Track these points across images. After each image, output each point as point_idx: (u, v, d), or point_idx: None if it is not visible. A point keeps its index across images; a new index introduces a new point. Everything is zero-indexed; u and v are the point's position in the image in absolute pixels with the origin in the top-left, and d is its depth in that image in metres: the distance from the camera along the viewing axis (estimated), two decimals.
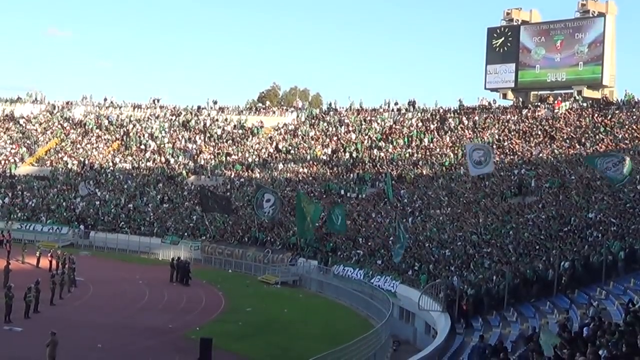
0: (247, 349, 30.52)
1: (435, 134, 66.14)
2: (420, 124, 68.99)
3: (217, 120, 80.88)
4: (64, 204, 66.42)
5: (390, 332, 33.40)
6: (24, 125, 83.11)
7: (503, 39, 67.72)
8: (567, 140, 55.99)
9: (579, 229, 36.38)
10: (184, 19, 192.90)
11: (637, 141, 50.56)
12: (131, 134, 79.82)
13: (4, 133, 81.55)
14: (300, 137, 73.67)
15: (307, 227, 49.95)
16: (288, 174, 66.94)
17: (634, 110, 57.01)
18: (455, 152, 61.13)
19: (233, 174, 69.72)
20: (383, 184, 56.71)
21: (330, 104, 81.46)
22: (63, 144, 79.54)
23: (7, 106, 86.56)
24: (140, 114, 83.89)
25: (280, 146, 72.79)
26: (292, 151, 71.35)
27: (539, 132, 59.43)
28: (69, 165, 75.07)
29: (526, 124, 61.82)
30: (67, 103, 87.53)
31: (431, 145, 64.36)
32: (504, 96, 68.55)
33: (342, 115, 75.68)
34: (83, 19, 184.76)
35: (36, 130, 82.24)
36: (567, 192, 44.12)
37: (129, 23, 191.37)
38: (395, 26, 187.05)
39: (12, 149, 79.06)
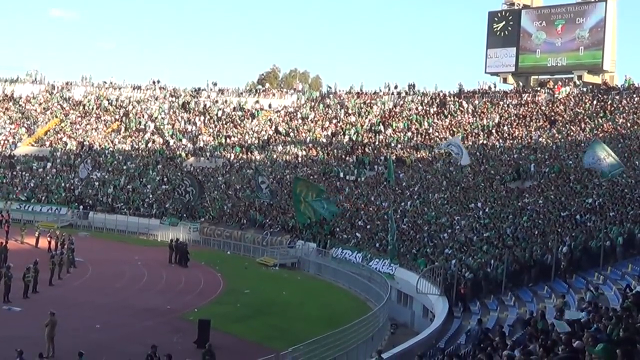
0: (245, 330, 30.62)
1: (435, 117, 66.08)
2: (420, 108, 68.90)
3: (216, 102, 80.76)
4: (63, 184, 66.40)
5: (388, 315, 33.47)
6: (23, 105, 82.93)
7: (504, 23, 67.56)
8: (567, 125, 55.94)
9: (578, 214, 36.40)
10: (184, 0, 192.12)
11: (636, 127, 50.51)
12: (131, 115, 79.68)
13: (3, 113, 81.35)
14: (299, 120, 73.58)
15: (305, 211, 49.59)
16: (287, 157, 66.92)
17: (634, 95, 56.96)
18: (455, 136, 61.02)
19: (232, 156, 69.69)
20: (382, 167, 56.69)
21: (329, 87, 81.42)
22: (62, 124, 79.41)
23: (6, 86, 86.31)
24: (140, 95, 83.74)
25: (279, 128, 72.71)
26: (291, 133, 71.29)
27: (539, 117, 59.39)
28: (68, 146, 75.01)
29: (526, 108, 61.79)
30: (67, 83, 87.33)
31: (431, 129, 64.30)
32: (504, 80, 68.51)
33: (342, 98, 75.59)
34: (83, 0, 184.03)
35: (35, 110, 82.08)
36: (566, 177, 44.12)
37: (129, 4, 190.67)
38: (396, 9, 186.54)
39: (11, 129, 78.94)
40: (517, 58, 66.64)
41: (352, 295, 40.30)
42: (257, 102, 79.11)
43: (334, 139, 68.18)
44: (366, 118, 70.15)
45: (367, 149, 63.85)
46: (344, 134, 68.26)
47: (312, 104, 76.55)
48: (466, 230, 40.57)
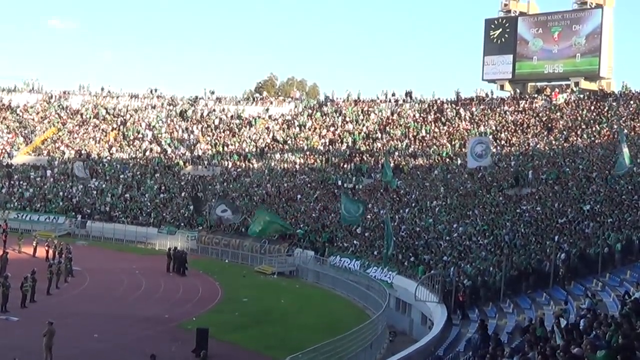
0: (243, 339, 30.57)
1: (433, 125, 66.10)
2: (417, 115, 68.96)
3: (214, 110, 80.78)
4: (60, 193, 66.32)
5: (387, 323, 33.41)
6: (20, 114, 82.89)
7: (501, 30, 67.70)
8: (564, 132, 55.99)
9: (576, 221, 36.40)
10: (181, 8, 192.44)
11: (633, 133, 50.54)
12: (128, 124, 79.68)
13: (1, 122, 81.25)
14: (297, 128, 73.60)
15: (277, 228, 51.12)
16: (285, 165, 66.91)
17: (630, 102, 57.05)
18: (453, 143, 61.14)
19: (230, 164, 69.67)
20: (380, 174, 56.61)
21: (326, 96, 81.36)
22: (60, 133, 79.36)
23: (4, 95, 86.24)
24: (138, 104, 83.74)
25: (277, 136, 72.72)
26: (289, 141, 71.30)
27: (536, 124, 59.45)
28: (66, 155, 74.96)
29: (523, 115, 61.84)
30: (64, 92, 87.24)
31: (428, 136, 64.32)
32: (502, 87, 68.62)
33: (339, 106, 75.64)
34: (81, 10, 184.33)
35: (33, 119, 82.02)
36: (564, 183, 44.14)
37: (128, 14, 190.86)
38: (393, 17, 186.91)
39: (8, 138, 78.88)
40: (514, 65, 66.76)
41: (350, 303, 40.24)
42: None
43: (331, 146, 68.20)
44: (364, 126, 70.20)
45: (364, 157, 63.86)
46: (342, 142, 68.28)
47: (310, 112, 76.58)
48: (464, 237, 40.54)
